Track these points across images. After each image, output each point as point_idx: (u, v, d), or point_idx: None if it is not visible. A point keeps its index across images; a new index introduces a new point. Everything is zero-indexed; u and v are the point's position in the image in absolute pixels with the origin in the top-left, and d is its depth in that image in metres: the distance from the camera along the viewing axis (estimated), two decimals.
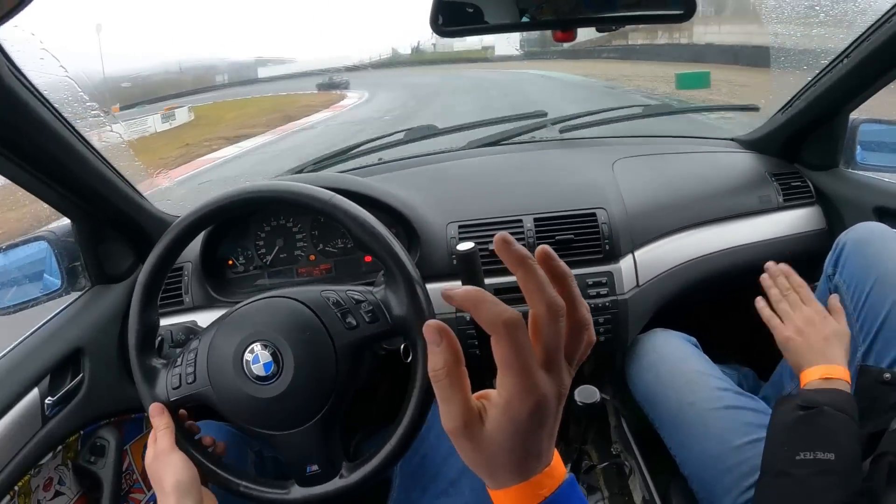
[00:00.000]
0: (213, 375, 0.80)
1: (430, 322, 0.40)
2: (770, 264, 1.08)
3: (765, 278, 1.07)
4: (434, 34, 0.81)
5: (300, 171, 1.46)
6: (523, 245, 1.23)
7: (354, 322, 0.79)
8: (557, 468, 0.43)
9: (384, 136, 1.57)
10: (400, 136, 1.56)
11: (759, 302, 1.05)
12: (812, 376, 0.90)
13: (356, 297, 0.81)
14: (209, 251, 1.21)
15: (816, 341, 0.93)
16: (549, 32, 0.85)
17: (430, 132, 1.56)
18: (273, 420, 0.79)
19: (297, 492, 0.79)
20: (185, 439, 0.81)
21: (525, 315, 0.40)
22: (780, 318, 1.01)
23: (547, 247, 0.43)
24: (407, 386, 0.79)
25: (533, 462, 0.41)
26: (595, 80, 17.37)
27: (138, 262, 1.21)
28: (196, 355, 0.82)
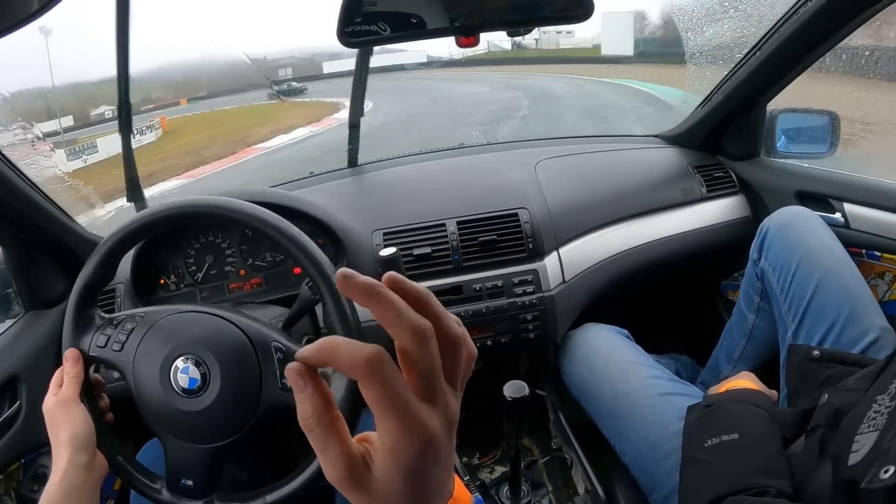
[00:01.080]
0: (138, 358, 0.80)
1: (291, 366, 0.36)
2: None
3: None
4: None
5: None
6: (447, 248, 1.24)
7: (288, 384, 0.78)
8: (461, 497, 0.40)
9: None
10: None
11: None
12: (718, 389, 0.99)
13: None
14: (140, 271, 1.21)
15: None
16: None
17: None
18: (176, 427, 0.79)
19: (166, 496, 0.80)
20: (87, 397, 0.80)
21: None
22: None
23: (393, 273, 0.39)
24: None
25: (434, 500, 0.38)
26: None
27: (70, 287, 1.21)
28: (131, 333, 0.81)
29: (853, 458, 0.60)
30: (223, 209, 0.81)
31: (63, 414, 0.76)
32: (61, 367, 0.81)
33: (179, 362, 0.77)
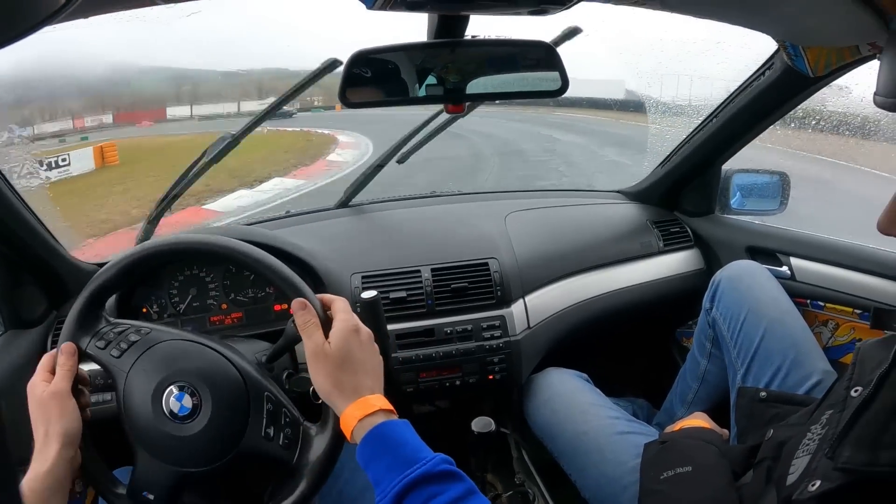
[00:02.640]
0: (134, 371, 0.82)
1: (298, 300, 0.79)
2: None
3: None
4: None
5: None
6: (421, 293, 1.33)
7: (271, 434, 0.83)
8: (389, 408, 0.73)
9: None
10: None
11: None
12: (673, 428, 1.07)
13: (289, 417, 0.85)
14: (123, 300, 1.24)
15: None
16: None
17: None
18: (156, 445, 0.82)
19: (125, 502, 0.82)
20: (75, 391, 0.82)
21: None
22: None
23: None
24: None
25: (363, 375, 0.75)
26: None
27: (51, 309, 1.24)
28: (133, 344, 0.84)
29: (790, 479, 0.69)
30: (254, 262, 0.87)
31: (57, 406, 0.77)
32: (52, 352, 0.82)
33: (175, 388, 0.81)
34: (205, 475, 0.82)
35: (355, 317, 0.79)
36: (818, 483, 0.60)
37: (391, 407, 0.74)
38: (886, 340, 0.72)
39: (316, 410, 0.86)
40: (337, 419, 0.77)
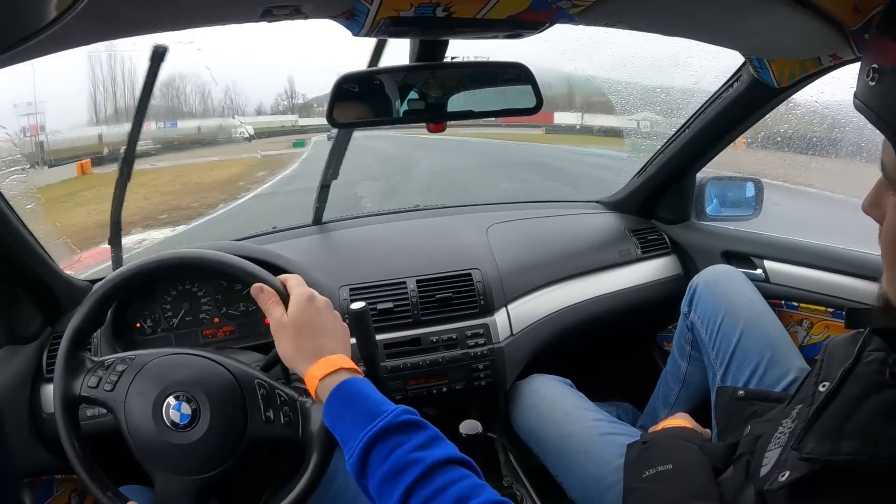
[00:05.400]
0: (130, 396, 0.85)
1: (256, 285, 0.85)
2: None
3: None
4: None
5: None
6: (407, 304, 1.37)
7: (272, 416, 0.86)
8: (350, 367, 0.77)
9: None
10: None
11: None
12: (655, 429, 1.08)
13: (284, 397, 0.88)
14: (117, 315, 1.26)
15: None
16: None
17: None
18: (167, 460, 0.84)
19: None
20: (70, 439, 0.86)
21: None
22: None
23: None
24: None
25: (323, 338, 0.80)
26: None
27: (46, 325, 1.26)
28: (122, 374, 0.87)
29: (763, 472, 0.71)
30: (212, 262, 0.91)
31: None
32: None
33: (171, 399, 0.84)
34: (222, 476, 0.85)
35: (310, 289, 0.85)
36: (787, 473, 0.63)
37: (353, 366, 0.78)
38: (853, 337, 0.73)
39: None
40: None
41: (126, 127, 1.38)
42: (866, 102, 0.55)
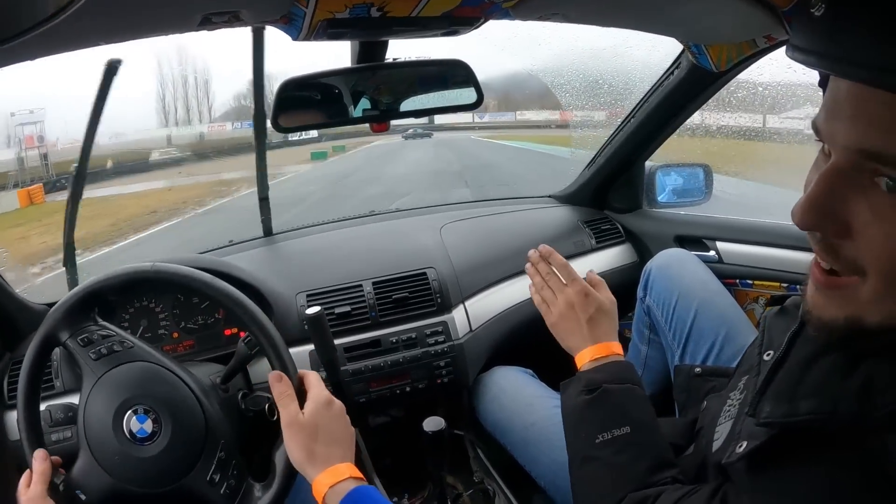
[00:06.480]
0: (101, 382, 0.87)
1: (274, 373, 0.84)
2: (531, 252, 1.07)
3: (528, 267, 1.07)
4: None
5: None
6: (365, 306, 1.37)
7: (216, 480, 0.87)
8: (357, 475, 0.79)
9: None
10: None
11: (531, 289, 1.06)
12: (585, 358, 0.93)
13: (237, 470, 0.89)
14: None
15: (581, 323, 0.96)
16: None
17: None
18: (125, 472, 0.85)
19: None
20: (53, 490, 0.85)
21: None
22: (547, 305, 1.02)
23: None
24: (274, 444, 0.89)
25: (336, 445, 0.82)
26: None
27: (4, 351, 1.24)
28: (110, 355, 0.89)
29: (716, 446, 0.72)
30: (177, 276, 0.92)
31: None
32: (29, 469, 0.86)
33: (140, 409, 0.85)
34: (139, 497, 0.85)
35: (327, 391, 0.88)
36: (745, 444, 0.62)
37: (360, 474, 0.81)
38: (790, 307, 0.74)
39: (265, 465, 0.91)
40: (281, 484, 0.85)
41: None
42: (814, 47, 0.49)
